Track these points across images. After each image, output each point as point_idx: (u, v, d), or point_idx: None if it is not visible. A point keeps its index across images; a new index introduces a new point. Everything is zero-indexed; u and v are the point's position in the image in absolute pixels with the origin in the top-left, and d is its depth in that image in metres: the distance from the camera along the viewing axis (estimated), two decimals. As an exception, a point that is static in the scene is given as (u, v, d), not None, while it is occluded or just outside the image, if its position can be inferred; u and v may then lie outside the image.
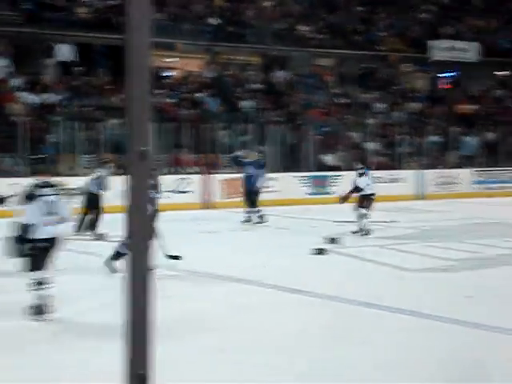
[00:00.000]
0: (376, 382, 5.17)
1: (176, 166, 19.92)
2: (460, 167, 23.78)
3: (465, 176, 23.31)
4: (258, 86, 24.23)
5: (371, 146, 23.25)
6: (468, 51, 28.81)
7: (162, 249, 9.33)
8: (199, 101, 22.43)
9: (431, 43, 28.50)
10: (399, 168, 22.89)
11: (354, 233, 13.36)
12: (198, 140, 20.53)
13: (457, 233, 13.76)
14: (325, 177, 21.20)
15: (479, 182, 23.44)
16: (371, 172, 14.58)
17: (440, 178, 22.88)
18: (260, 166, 15.79)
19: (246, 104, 22.93)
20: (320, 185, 21.03)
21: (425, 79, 28.43)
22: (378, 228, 14.52)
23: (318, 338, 6.35)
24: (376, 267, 10.04)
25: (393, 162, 23.33)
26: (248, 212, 15.27)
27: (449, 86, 28.95)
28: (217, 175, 19.53)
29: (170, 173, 18.75)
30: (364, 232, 13.37)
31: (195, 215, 16.41)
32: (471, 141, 24.90)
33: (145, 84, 1.69)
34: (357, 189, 13.76)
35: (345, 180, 21.04)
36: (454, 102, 27.20)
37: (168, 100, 21.80)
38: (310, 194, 20.71)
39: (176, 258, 9.62)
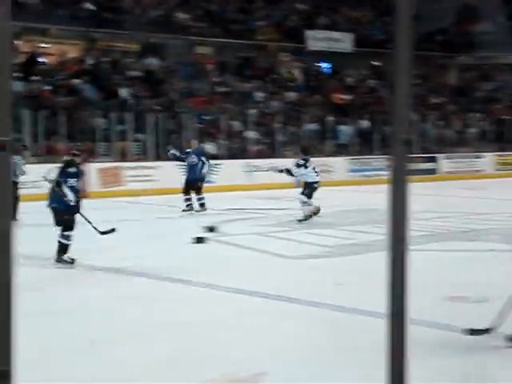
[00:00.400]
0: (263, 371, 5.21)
1: (51, 155, 19.36)
2: (336, 155, 24.36)
3: (340, 164, 23.91)
4: (137, 73, 23.91)
5: (251, 134, 23.45)
6: (343, 41, 29.50)
7: (94, 229, 9.33)
8: (76, 88, 21.90)
9: (307, 33, 28.98)
10: (278, 156, 23.21)
11: (299, 220, 13.41)
12: (75, 128, 20.06)
13: (333, 220, 14.09)
14: (205, 165, 21.18)
15: (354, 170, 24.12)
16: (312, 160, 14.79)
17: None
18: (202, 153, 15.78)
19: (124, 91, 22.58)
20: (200, 173, 20.98)
21: (302, 69, 28.90)
22: (258, 216, 14.69)
23: (205, 327, 6.36)
24: (256, 255, 10.14)
25: (272, 151, 23.63)
26: (187, 200, 15.09)
27: (325, 76, 29.56)
28: (93, 164, 19.14)
29: (45, 161, 18.21)
30: (305, 218, 13.45)
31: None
32: (346, 129, 25.56)
33: (5, 69, 1.61)
34: (288, 172, 13.98)
35: (225, 168, 21.21)
36: (329, 92, 27.82)
37: (43, 87, 21.16)
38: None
39: (111, 231, 9.55)
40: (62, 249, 9.16)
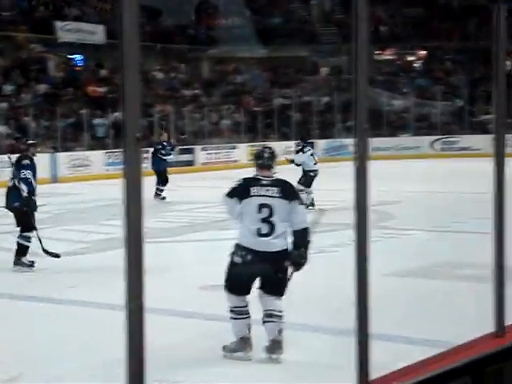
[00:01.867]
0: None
1: None
2: (93, 149, 23.98)
3: (97, 158, 23.57)
4: None
5: (1, 129, 22.38)
6: (95, 33, 29.00)
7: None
8: None
9: (57, 24, 28.10)
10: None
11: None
12: None
13: (92, 215, 13.89)
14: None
15: (111, 164, 23.86)
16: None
17: (73, 161, 22.86)
18: (171, 143, 17.65)
19: None
20: None
21: (55, 61, 28.03)
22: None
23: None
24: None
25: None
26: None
27: (79, 68, 28.94)
28: None
29: None
30: (308, 205, 12.01)
31: None
32: (102, 122, 25.24)
33: None
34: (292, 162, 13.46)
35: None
36: (84, 84, 27.29)
37: None
38: None
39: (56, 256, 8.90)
40: (22, 251, 8.59)
